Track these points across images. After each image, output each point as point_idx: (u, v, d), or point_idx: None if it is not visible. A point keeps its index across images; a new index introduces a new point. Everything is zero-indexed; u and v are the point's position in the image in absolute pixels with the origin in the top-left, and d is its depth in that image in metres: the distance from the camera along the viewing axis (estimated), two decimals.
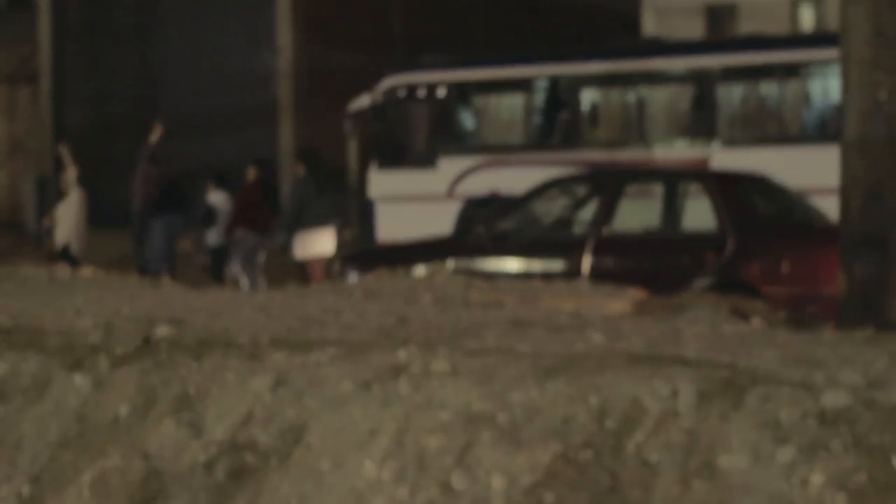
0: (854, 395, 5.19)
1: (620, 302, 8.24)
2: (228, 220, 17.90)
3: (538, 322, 7.35)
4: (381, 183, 22.04)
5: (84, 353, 6.92)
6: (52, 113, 35.09)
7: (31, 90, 35.88)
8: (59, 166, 19.46)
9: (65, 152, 18.81)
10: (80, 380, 6.65)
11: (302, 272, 16.21)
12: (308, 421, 5.91)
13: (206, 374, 6.45)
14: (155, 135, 18.89)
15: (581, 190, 13.12)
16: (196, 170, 26.50)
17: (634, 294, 8.69)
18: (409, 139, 22.34)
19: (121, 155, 31.33)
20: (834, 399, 5.12)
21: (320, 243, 16.19)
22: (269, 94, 32.20)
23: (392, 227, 21.25)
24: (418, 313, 7.99)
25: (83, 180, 18.55)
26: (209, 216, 17.87)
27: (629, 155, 20.23)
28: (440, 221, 19.91)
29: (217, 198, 18.01)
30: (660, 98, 21.29)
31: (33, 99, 35.82)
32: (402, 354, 6.20)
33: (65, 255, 18.10)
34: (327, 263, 15.98)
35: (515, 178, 18.70)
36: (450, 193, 21.34)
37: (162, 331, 7.35)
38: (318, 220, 16.18)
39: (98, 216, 19.73)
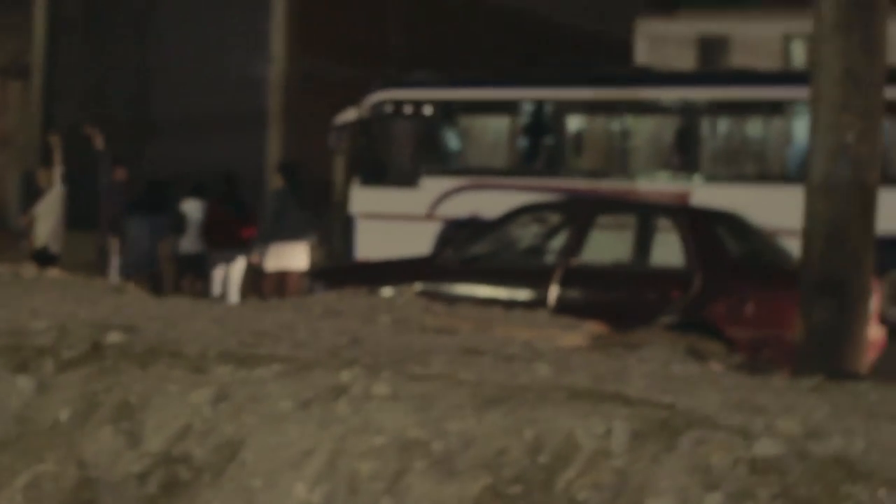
0: (789, 444, 5.18)
1: (575, 335, 8.23)
2: (200, 230, 17.86)
3: (489, 350, 7.34)
4: (363, 199, 22.01)
5: (31, 355, 6.90)
6: (42, 109, 35.06)
7: (23, 85, 35.83)
8: (43, 161, 19.31)
9: (55, 143, 18.58)
10: (24, 382, 6.62)
11: (268, 284, 16.21)
12: (245, 437, 5.89)
13: (149, 384, 6.43)
14: (98, 140, 18.77)
15: (552, 217, 13.10)
16: (183, 172, 26.50)
17: (591, 328, 8.68)
18: (392, 156, 22.29)
19: (111, 153, 31.33)
20: (767, 447, 5.11)
21: (293, 257, 16.18)
22: (260, 102, 32.21)
23: (371, 244, 21.22)
24: (372, 334, 7.97)
25: (66, 178, 18.42)
26: (180, 224, 17.82)
27: (610, 185, 20.23)
28: (420, 241, 19.89)
29: (190, 206, 17.95)
30: (644, 128, 21.30)
31: (24, 94, 35.78)
32: (345, 375, 6.19)
33: (43, 255, 17.94)
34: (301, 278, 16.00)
35: (497, 202, 18.66)
36: (430, 214, 21.32)
37: (113, 337, 7.34)
38: (292, 234, 16.17)
39: (81, 216, 19.67)
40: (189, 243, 17.84)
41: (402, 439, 5.56)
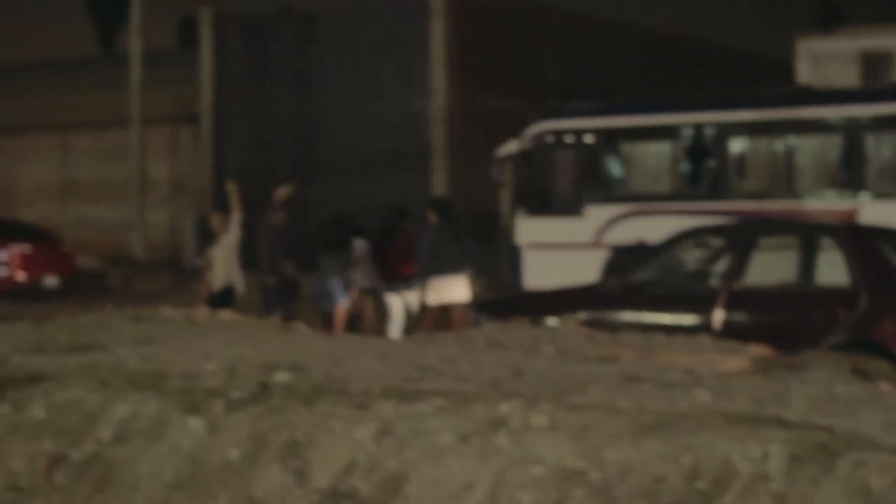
0: None
1: (738, 359, 8.19)
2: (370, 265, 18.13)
3: (649, 378, 7.37)
4: (529, 229, 22.09)
5: (202, 396, 7.11)
6: (212, 154, 35.84)
7: (193, 131, 36.68)
8: (217, 206, 19.69)
9: (232, 191, 18.93)
10: (196, 423, 6.83)
11: (428, 318, 16.38)
12: (408, 471, 6.01)
13: (315, 422, 6.58)
14: (283, 190, 19.06)
15: (715, 241, 13.05)
16: (351, 211, 26.88)
17: (755, 351, 8.63)
18: (556, 185, 22.35)
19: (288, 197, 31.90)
20: None
21: (453, 290, 16.33)
22: (423, 137, 32.51)
23: (539, 274, 21.27)
24: (534, 366, 8.05)
25: (245, 223, 18.73)
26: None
27: (776, 206, 20.04)
28: (587, 269, 19.86)
29: (357, 243, 18.22)
30: (808, 148, 21.06)
31: (194, 139, 36.63)
32: (504, 407, 6.28)
33: (223, 297, 18.23)
34: (465, 310, 16.15)
35: (662, 227, 18.54)
36: (596, 241, 21.32)
37: (280, 377, 7.54)
38: (450, 268, 16.34)
39: (251, 258, 20.03)
40: (363, 278, 18.14)
41: (561, 469, 5.63)
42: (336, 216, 19.38)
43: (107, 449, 6.88)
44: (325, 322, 17.33)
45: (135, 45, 34.55)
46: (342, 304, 17.64)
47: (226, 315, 12.56)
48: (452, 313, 16.25)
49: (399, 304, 17.84)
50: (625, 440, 5.69)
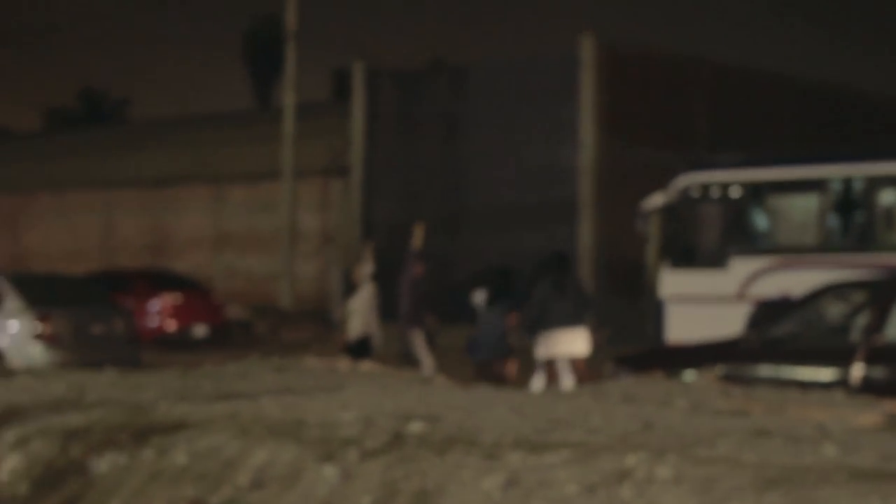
0: None
1: (870, 414, 8.18)
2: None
3: (778, 432, 7.40)
4: (673, 282, 22.03)
5: (337, 445, 7.30)
6: (361, 206, 36.30)
7: (343, 183, 37.21)
8: (358, 258, 20.15)
9: (368, 250, 19.47)
10: (330, 471, 7.01)
11: (547, 371, 16.46)
12: None
13: (445, 471, 6.73)
14: (417, 238, 19.38)
15: (856, 295, 12.97)
16: (499, 262, 27.06)
17: (889, 407, 8.60)
18: (701, 238, 22.29)
19: (428, 248, 32.29)
20: None
21: (566, 344, 16.39)
22: (570, 190, 32.58)
23: (682, 327, 21.19)
24: (665, 419, 8.11)
25: (377, 276, 19.07)
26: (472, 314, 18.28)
27: None
28: (731, 323, 19.74)
29: (479, 297, 18.37)
30: None
31: (344, 192, 37.14)
32: (630, 459, 6.37)
33: (360, 348, 18.60)
34: (588, 363, 16.27)
35: (808, 280, 18.40)
36: (741, 294, 21.20)
37: (415, 427, 7.71)
38: (561, 321, 16.40)
39: (396, 308, 20.27)
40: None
41: None
42: (502, 267, 19.55)
43: (244, 494, 7.10)
44: (479, 374, 17.42)
45: (289, 98, 35.22)
46: (512, 357, 17.68)
47: (366, 366, 12.81)
48: (575, 366, 16.32)
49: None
50: (748, 493, 5.74)
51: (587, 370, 16.11)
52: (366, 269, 18.76)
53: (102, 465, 7.79)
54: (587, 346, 16.35)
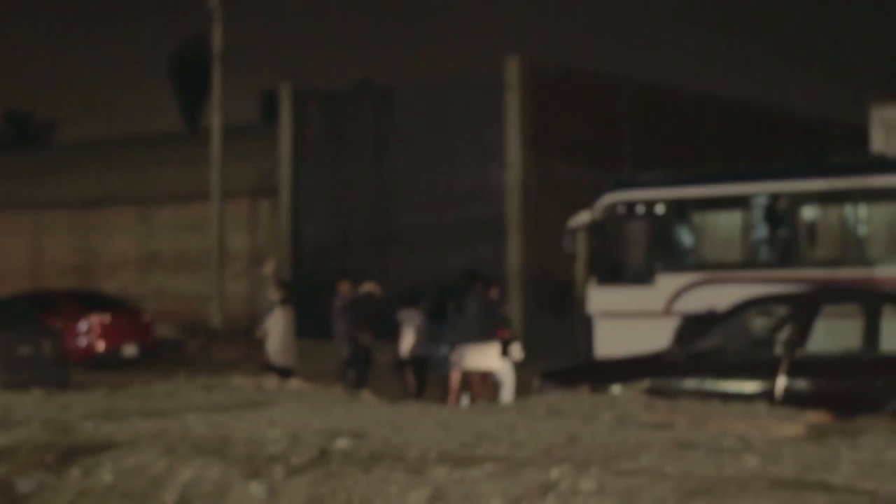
0: None
1: (792, 426, 8.29)
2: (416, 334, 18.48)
3: (700, 444, 7.50)
4: (600, 299, 22.16)
5: (263, 462, 7.33)
6: (289, 226, 36.27)
7: (271, 203, 37.16)
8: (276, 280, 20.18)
9: (271, 266, 19.71)
10: (256, 488, 7.04)
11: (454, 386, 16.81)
12: None
13: (371, 486, 6.77)
14: (344, 288, 19.59)
15: (778, 309, 13.12)
16: (425, 281, 27.11)
17: (811, 417, 8.73)
18: (627, 255, 22.44)
19: (354, 266, 32.31)
20: None
21: (469, 358, 16.83)
22: (498, 209, 32.70)
23: (610, 342, 21.32)
24: (590, 432, 8.20)
25: (289, 300, 19.18)
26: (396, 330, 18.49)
27: (847, 274, 20.01)
28: (658, 338, 19.89)
29: (405, 314, 18.55)
30: (881, 216, 21.02)
31: (273, 212, 37.09)
32: (554, 472, 6.44)
33: (274, 367, 18.76)
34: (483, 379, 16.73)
35: (732, 296, 18.57)
36: (667, 310, 21.36)
37: (341, 443, 7.75)
38: (460, 338, 16.86)
39: (323, 327, 20.32)
40: (403, 349, 18.48)
41: None
42: (444, 285, 19.77)
43: None
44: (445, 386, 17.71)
45: (216, 120, 35.15)
46: (454, 371, 17.83)
47: (293, 384, 12.83)
48: (471, 381, 16.75)
49: (506, 368, 18.04)
50: (670, 503, 5.82)
51: (481, 386, 16.43)
52: (273, 294, 18.99)
53: (28, 484, 7.77)
54: (486, 361, 16.71)
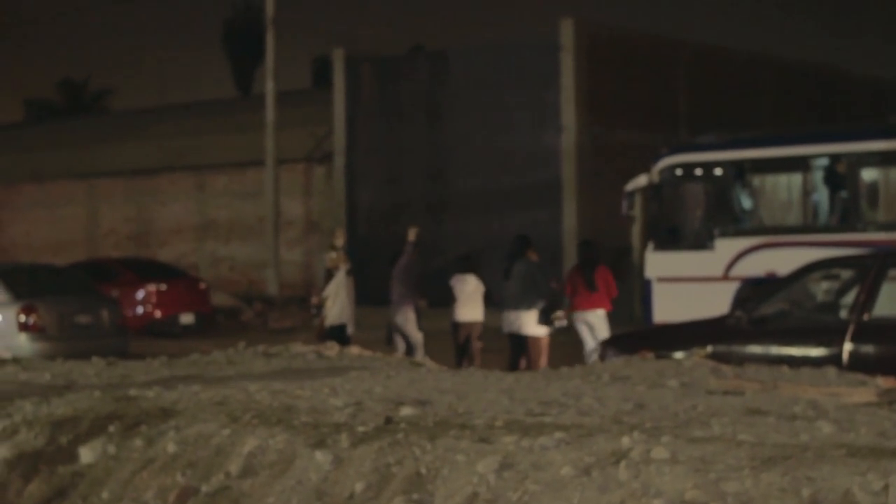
0: None
1: (864, 391, 8.14)
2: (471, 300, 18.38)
3: (772, 411, 7.36)
4: (658, 264, 22.01)
5: (328, 431, 7.24)
6: (344, 192, 36.25)
7: (326, 169, 37.14)
8: (332, 245, 20.10)
9: (339, 237, 19.63)
10: (322, 456, 6.95)
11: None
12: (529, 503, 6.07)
13: (438, 455, 6.67)
14: (412, 235, 19.44)
15: (844, 273, 12.94)
16: (482, 246, 27.05)
17: (882, 383, 8.57)
18: (685, 219, 22.27)
19: (418, 239, 32.16)
20: None
21: (509, 324, 16.97)
22: (553, 172, 32.57)
23: (668, 308, 21.19)
24: (657, 399, 8.07)
25: (357, 260, 19.17)
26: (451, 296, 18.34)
27: None
28: (717, 303, 19.74)
29: (456, 280, 18.39)
30: None
31: (327, 178, 37.06)
32: (625, 441, 6.32)
33: (335, 333, 18.70)
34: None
35: (792, 259, 18.38)
36: (726, 275, 21.20)
37: (405, 411, 7.66)
38: (506, 303, 17.21)
39: (376, 294, 20.28)
40: (457, 314, 18.37)
41: (681, 501, 5.65)
42: (465, 254, 19.70)
43: (235, 482, 7.03)
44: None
45: (269, 86, 35.12)
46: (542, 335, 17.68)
47: (354, 351, 12.76)
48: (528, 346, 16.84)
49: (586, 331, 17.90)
50: (745, 473, 5.70)
51: (538, 351, 16.46)
52: (334, 256, 18.91)
53: (91, 454, 7.73)
54: (527, 328, 16.76)
